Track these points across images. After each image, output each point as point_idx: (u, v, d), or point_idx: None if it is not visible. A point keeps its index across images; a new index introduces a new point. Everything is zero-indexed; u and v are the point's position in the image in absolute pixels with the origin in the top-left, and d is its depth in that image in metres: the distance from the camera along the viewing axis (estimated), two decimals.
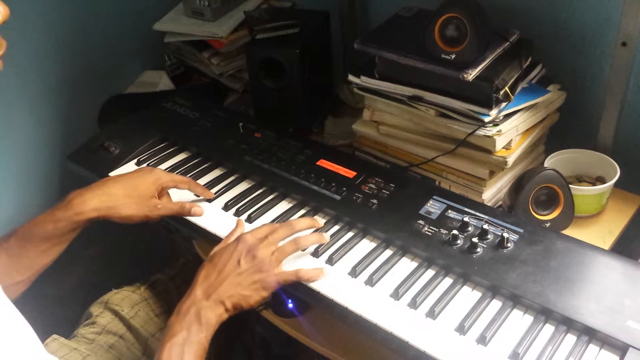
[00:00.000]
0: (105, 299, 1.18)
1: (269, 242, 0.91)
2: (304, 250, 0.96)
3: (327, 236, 0.96)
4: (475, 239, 0.92)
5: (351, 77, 1.16)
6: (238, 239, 0.92)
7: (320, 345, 1.03)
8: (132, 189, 1.01)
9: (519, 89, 1.08)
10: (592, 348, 0.79)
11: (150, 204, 1.02)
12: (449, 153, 1.10)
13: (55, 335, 1.11)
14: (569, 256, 0.89)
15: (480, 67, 0.99)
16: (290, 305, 1.07)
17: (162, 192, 1.07)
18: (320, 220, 0.99)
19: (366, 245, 0.98)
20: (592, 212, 1.09)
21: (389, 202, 1.03)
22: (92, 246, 1.61)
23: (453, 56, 0.99)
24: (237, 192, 1.12)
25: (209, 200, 1.10)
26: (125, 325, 1.14)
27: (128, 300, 1.18)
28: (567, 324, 0.82)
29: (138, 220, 1.02)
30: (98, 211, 0.98)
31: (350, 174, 1.10)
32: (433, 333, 0.83)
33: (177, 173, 1.17)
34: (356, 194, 1.05)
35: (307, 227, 0.96)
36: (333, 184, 1.08)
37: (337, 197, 1.05)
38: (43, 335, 1.11)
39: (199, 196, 1.10)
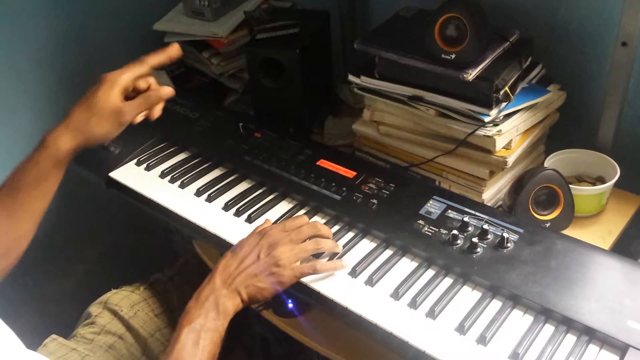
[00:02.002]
0: (105, 298, 1.18)
1: (291, 239, 0.91)
2: (322, 269, 0.93)
3: (340, 247, 0.96)
4: (475, 239, 0.92)
5: (351, 77, 1.16)
6: (262, 233, 0.93)
7: (320, 345, 1.03)
8: (94, 107, 0.96)
9: (519, 89, 1.08)
10: (592, 348, 0.79)
11: (118, 113, 0.97)
12: (449, 153, 1.10)
13: (54, 335, 1.11)
14: (569, 256, 0.89)
15: (480, 67, 0.99)
16: (290, 305, 1.08)
17: (135, 91, 1.01)
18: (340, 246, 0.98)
19: (366, 245, 0.98)
20: (592, 212, 1.08)
21: (389, 202, 1.03)
22: (92, 246, 1.61)
23: (453, 56, 0.99)
24: (237, 192, 1.12)
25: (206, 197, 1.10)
26: (125, 326, 1.14)
27: (127, 300, 1.18)
28: (567, 324, 0.82)
29: (116, 133, 0.99)
30: (73, 142, 0.96)
31: (350, 174, 1.10)
32: (433, 333, 0.83)
33: (176, 173, 1.17)
34: (356, 194, 1.05)
35: (328, 236, 0.96)
36: (333, 184, 1.07)
37: (337, 197, 1.05)
38: (42, 335, 1.12)
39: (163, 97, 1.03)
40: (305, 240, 0.93)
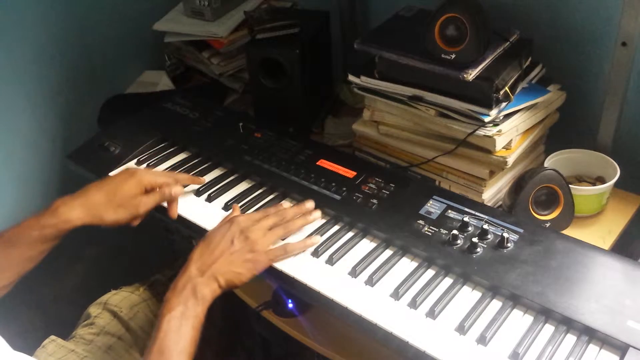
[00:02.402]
0: (104, 299, 1.18)
1: (261, 226, 0.95)
2: (293, 249, 0.97)
3: (316, 215, 1.00)
4: (475, 239, 0.92)
5: (351, 77, 1.16)
6: (231, 221, 0.96)
7: (320, 345, 1.03)
8: (113, 194, 1.02)
9: (519, 88, 1.08)
10: (592, 348, 0.79)
11: (133, 204, 1.03)
12: (449, 153, 1.10)
13: (53, 337, 1.11)
14: (569, 256, 0.89)
15: (480, 67, 0.99)
16: (290, 305, 1.08)
17: (150, 190, 1.07)
18: (309, 203, 1.02)
19: (366, 245, 0.98)
20: (592, 212, 1.08)
21: (389, 202, 1.03)
22: (92, 246, 1.61)
23: (453, 56, 0.99)
24: (237, 192, 1.12)
25: (197, 194, 1.11)
26: (124, 326, 1.14)
27: (127, 301, 1.18)
28: (567, 323, 0.82)
29: (124, 222, 1.03)
30: (83, 219, 1.00)
31: (350, 174, 1.10)
32: (433, 333, 0.83)
33: (177, 173, 1.17)
34: (356, 194, 1.05)
35: (296, 215, 1.00)
36: (333, 184, 1.07)
37: (337, 197, 1.05)
38: (42, 336, 1.11)
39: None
40: (274, 226, 0.97)
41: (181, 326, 0.84)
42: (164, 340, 0.82)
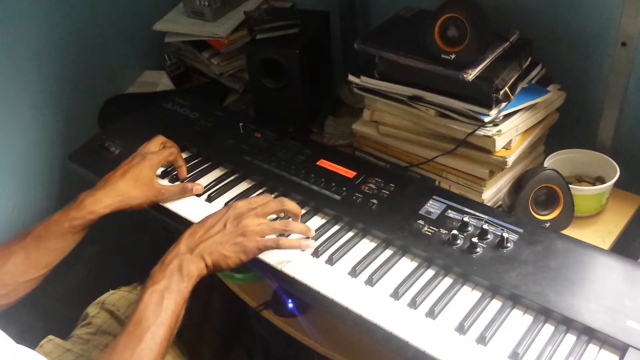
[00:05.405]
0: (102, 299, 1.19)
1: (257, 213, 0.95)
2: (285, 245, 0.96)
3: (313, 231, 0.99)
4: (475, 239, 0.92)
5: (351, 77, 1.16)
6: (229, 205, 0.97)
7: (320, 345, 1.03)
8: (134, 180, 1.06)
9: (518, 89, 1.08)
10: (592, 348, 0.79)
11: (154, 189, 1.08)
12: (449, 153, 1.10)
13: (50, 337, 1.11)
14: (569, 256, 0.89)
15: (480, 67, 0.99)
16: (290, 305, 1.08)
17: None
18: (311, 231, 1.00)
19: (366, 245, 0.98)
20: (591, 212, 1.09)
21: (389, 202, 1.03)
22: (91, 246, 1.61)
23: (453, 56, 0.99)
24: (237, 192, 1.12)
25: (198, 195, 1.12)
26: (121, 326, 1.14)
27: (124, 300, 1.18)
28: (567, 323, 0.82)
29: (147, 206, 1.09)
30: (110, 207, 1.03)
31: (350, 174, 1.10)
32: (433, 333, 0.83)
33: (177, 173, 1.17)
34: (356, 194, 1.05)
35: (296, 213, 0.99)
36: (333, 184, 1.07)
37: (337, 197, 1.05)
38: (42, 336, 1.12)
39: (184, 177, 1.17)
40: (272, 215, 0.97)
41: (163, 299, 0.84)
42: (144, 312, 0.83)
